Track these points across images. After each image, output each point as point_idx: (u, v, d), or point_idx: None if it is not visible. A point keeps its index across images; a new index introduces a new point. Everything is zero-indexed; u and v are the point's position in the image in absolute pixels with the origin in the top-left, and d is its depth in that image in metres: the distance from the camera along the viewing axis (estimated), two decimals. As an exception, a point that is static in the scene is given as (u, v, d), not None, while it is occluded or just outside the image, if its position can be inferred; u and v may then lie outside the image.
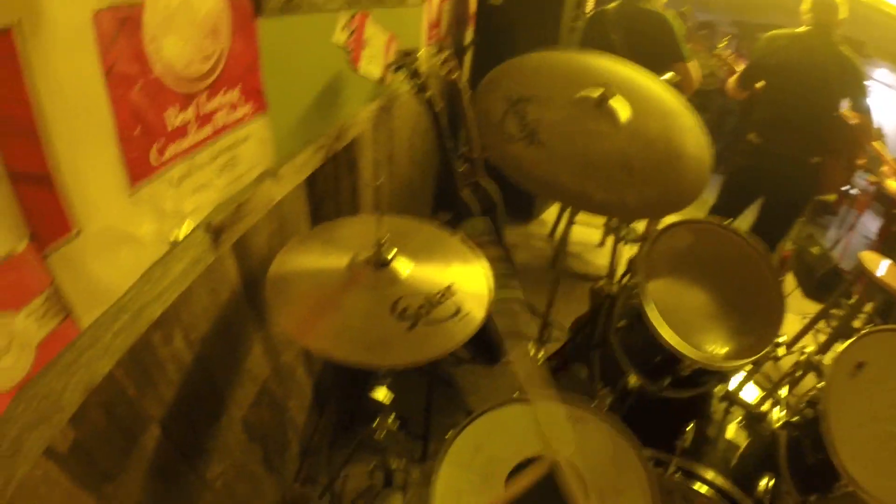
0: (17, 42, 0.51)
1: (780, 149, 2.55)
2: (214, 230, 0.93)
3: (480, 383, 2.46)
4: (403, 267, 1.10)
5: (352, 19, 1.37)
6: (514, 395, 1.26)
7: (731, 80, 2.86)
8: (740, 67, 2.89)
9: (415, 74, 1.61)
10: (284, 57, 1.08)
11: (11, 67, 0.52)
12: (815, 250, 3.11)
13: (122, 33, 0.64)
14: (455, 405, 2.31)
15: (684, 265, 1.50)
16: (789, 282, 3.08)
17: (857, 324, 2.31)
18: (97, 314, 0.70)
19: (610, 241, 3.52)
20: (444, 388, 2.34)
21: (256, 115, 1.01)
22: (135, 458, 0.88)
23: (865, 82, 2.46)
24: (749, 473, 1.34)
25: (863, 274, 2.16)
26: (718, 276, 1.47)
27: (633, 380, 1.52)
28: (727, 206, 2.78)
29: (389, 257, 1.08)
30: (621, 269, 2.82)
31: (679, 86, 1.71)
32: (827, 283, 2.93)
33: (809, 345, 1.39)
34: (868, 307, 2.30)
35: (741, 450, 1.42)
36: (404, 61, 1.58)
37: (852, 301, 2.33)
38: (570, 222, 3.37)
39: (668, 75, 1.71)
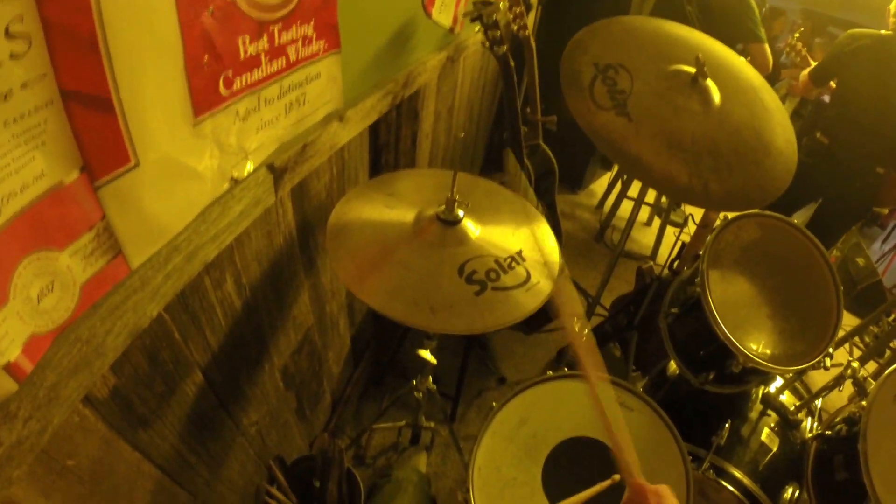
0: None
1: (847, 152, 2.41)
2: (278, 170, 0.86)
3: (515, 349, 2.43)
4: (473, 227, 1.02)
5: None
6: (565, 371, 1.21)
7: (804, 74, 2.63)
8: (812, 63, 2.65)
9: (493, 26, 1.47)
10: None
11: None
12: (860, 261, 3.05)
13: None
14: (487, 369, 2.29)
15: (747, 259, 1.45)
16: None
17: (894, 344, 2.28)
18: (149, 254, 0.64)
19: (657, 221, 3.38)
20: (479, 350, 2.30)
21: (329, 52, 0.91)
22: (174, 405, 0.84)
23: None
24: (777, 479, 1.33)
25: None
26: (780, 276, 1.42)
27: (672, 368, 1.52)
28: (782, 203, 2.61)
29: (461, 215, 1.00)
30: (664, 250, 2.70)
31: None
32: (867, 296, 2.89)
33: (848, 359, 1.37)
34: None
35: (771, 455, 1.40)
36: (482, 11, 1.43)
37: (892, 318, 2.26)
38: (622, 196, 3.22)
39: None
